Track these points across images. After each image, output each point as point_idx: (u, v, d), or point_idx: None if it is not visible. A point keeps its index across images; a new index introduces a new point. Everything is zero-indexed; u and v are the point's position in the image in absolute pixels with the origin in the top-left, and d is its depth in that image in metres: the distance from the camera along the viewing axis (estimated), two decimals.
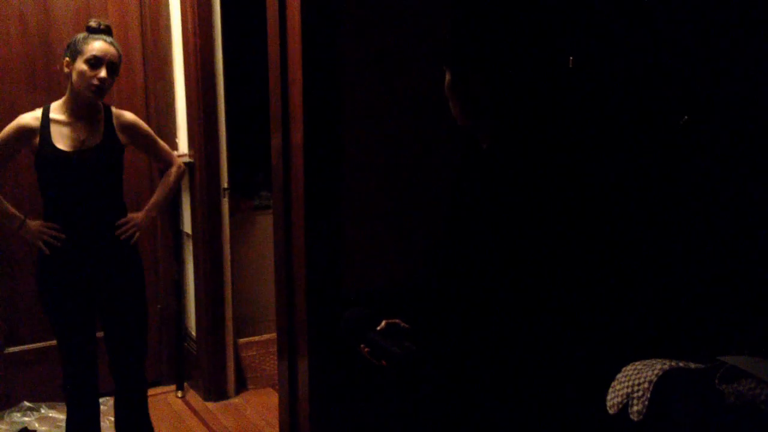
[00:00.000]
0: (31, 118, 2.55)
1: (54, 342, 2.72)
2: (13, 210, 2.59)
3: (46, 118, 2.54)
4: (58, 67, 2.60)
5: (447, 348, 1.59)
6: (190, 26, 3.24)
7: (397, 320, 1.78)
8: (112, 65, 2.52)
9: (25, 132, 2.52)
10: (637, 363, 1.75)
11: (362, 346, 1.78)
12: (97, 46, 2.50)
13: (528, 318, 1.47)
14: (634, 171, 1.99)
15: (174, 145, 3.49)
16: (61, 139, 2.53)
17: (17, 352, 3.33)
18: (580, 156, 1.82)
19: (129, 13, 3.40)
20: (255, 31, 2.88)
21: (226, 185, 3.45)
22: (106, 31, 2.56)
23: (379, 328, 1.77)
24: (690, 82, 1.89)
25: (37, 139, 2.51)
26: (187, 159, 3.39)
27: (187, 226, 3.57)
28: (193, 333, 3.65)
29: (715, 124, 1.82)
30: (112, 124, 2.65)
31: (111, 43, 2.54)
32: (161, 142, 2.84)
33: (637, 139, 1.99)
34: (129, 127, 2.69)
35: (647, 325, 1.93)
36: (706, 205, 1.88)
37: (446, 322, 1.59)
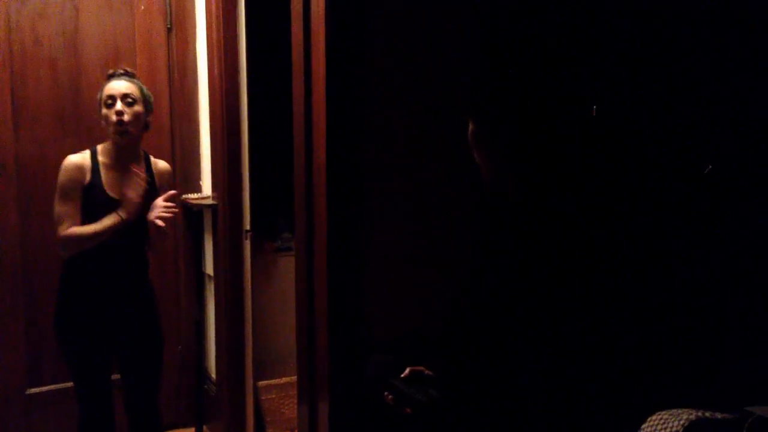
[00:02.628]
0: (79, 156, 2.58)
1: None
2: (105, 221, 2.52)
3: (94, 159, 2.58)
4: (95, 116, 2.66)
5: (472, 396, 1.58)
6: (216, 71, 3.30)
7: (421, 367, 1.77)
8: (127, 98, 2.55)
9: (78, 169, 2.55)
10: (662, 412, 1.72)
11: (386, 393, 1.76)
12: (109, 85, 2.57)
13: (554, 367, 1.46)
14: (664, 218, 1.98)
15: (198, 188, 3.53)
16: (110, 184, 2.56)
17: (39, 392, 3.34)
18: (609, 206, 1.82)
19: (157, 58, 3.47)
20: (280, 76, 2.92)
21: (248, 227, 3.47)
22: (124, 74, 2.62)
23: (403, 375, 1.76)
24: (716, 128, 1.89)
25: (88, 177, 2.54)
26: (210, 201, 3.42)
27: (209, 268, 3.59)
28: (213, 375, 3.65)
29: (741, 174, 1.82)
30: (152, 172, 2.72)
31: (125, 80, 2.58)
32: None
33: (666, 186, 1.98)
34: (162, 175, 2.76)
35: (673, 373, 1.90)
36: (737, 254, 1.86)
37: (472, 370, 1.58)
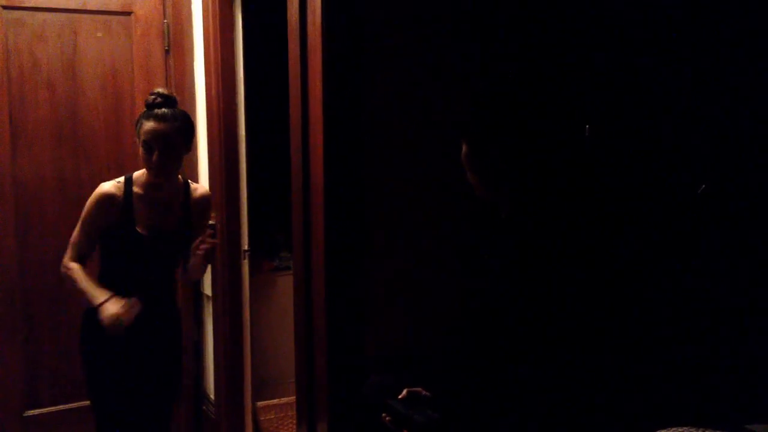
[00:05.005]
0: (113, 187, 2.49)
1: (74, 405, 2.72)
2: (98, 290, 2.45)
3: (128, 192, 2.49)
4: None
5: (469, 417, 1.57)
6: (213, 92, 3.32)
7: (418, 388, 1.76)
8: (166, 144, 2.41)
9: (109, 201, 2.46)
10: (663, 431, 1.72)
11: (384, 414, 1.76)
12: (148, 127, 2.41)
13: (553, 385, 1.45)
14: (656, 236, 1.98)
15: None
16: (140, 219, 2.48)
17: (37, 415, 3.32)
18: (601, 223, 1.83)
19: (155, 80, 3.48)
20: (277, 96, 2.93)
21: (246, 247, 3.47)
22: (162, 103, 2.45)
23: (400, 396, 1.75)
24: (708, 148, 1.90)
25: (119, 214, 2.46)
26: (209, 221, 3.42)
27: (207, 288, 3.58)
28: (212, 395, 3.63)
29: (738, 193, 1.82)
30: (189, 203, 2.63)
31: (162, 119, 2.42)
32: None
33: (656, 206, 1.99)
34: (198, 203, 2.65)
35: (673, 391, 1.90)
36: (730, 269, 1.87)
37: (469, 390, 1.57)
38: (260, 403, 3.69)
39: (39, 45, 3.26)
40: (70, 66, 3.32)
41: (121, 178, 2.53)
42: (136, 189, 2.50)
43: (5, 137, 3.21)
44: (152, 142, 2.40)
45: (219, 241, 2.49)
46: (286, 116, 2.44)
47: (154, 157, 2.41)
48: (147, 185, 2.51)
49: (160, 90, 2.50)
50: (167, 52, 3.51)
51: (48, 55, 3.27)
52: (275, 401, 3.77)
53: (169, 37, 3.50)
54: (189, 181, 2.69)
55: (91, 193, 2.54)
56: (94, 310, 2.51)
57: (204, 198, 2.69)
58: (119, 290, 2.50)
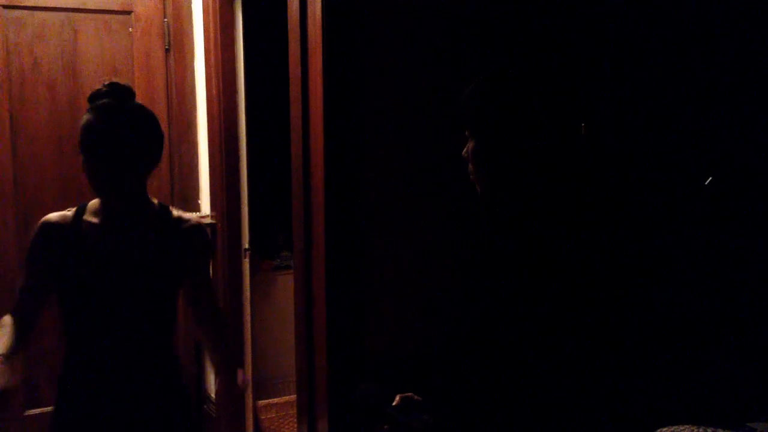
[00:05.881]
0: (57, 216, 1.91)
1: None
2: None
3: (78, 219, 1.90)
4: None
5: (463, 419, 1.57)
6: (214, 91, 3.32)
7: (410, 394, 1.76)
8: (105, 142, 1.76)
9: (48, 231, 1.89)
10: (665, 429, 1.72)
11: (382, 423, 1.75)
12: (83, 123, 1.79)
13: (549, 385, 1.45)
14: (657, 236, 1.98)
15: (197, 207, 3.53)
16: (93, 252, 1.87)
17: (38, 414, 3.32)
18: (605, 224, 1.83)
19: (155, 78, 3.48)
20: (278, 96, 2.93)
21: (247, 246, 3.47)
22: (107, 93, 1.82)
23: (394, 403, 1.75)
24: (711, 144, 1.90)
25: (64, 246, 1.87)
26: (209, 220, 3.42)
27: None
28: (212, 395, 3.63)
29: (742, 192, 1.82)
30: (169, 234, 1.96)
31: (103, 110, 1.79)
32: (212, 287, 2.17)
33: (658, 206, 1.99)
34: (186, 236, 1.97)
35: (676, 389, 1.90)
36: (732, 268, 1.86)
37: (466, 393, 1.57)
38: (261, 402, 3.69)
39: (39, 44, 3.25)
40: (71, 65, 3.32)
41: (71, 210, 1.94)
42: (88, 217, 1.91)
43: (5, 137, 3.21)
44: (88, 141, 1.78)
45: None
46: (286, 116, 2.44)
47: (99, 171, 1.79)
48: (101, 211, 1.91)
49: (110, 79, 1.89)
50: (167, 51, 3.51)
51: (48, 54, 3.27)
52: (276, 400, 3.77)
53: (169, 36, 3.50)
54: (170, 207, 2.03)
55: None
56: (66, 375, 2.00)
57: (195, 230, 2.00)
58: (90, 353, 1.94)
